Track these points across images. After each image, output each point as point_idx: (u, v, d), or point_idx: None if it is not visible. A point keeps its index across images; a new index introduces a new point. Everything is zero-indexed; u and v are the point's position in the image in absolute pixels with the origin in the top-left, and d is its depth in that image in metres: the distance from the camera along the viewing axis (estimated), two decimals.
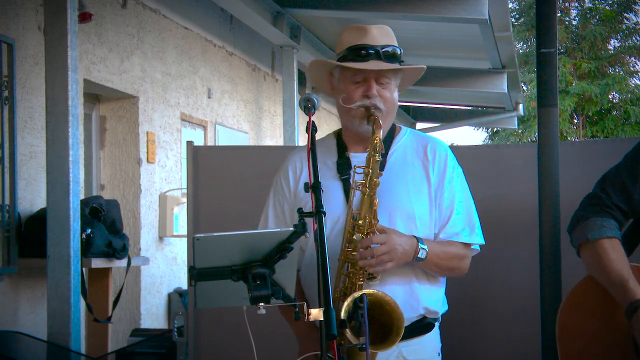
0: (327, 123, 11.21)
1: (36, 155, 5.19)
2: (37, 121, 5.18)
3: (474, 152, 4.29)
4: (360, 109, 2.88)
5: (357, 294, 2.64)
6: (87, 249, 5.05)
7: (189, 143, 4.38)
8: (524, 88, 19.80)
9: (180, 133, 7.22)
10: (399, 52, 2.91)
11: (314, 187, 2.55)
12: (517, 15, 21.84)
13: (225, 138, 8.08)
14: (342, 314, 2.58)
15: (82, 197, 5.18)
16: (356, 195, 2.82)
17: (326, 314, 2.31)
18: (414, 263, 2.84)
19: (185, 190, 5.40)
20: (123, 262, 5.46)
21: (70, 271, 4.52)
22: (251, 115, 8.88)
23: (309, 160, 2.62)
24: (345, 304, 2.62)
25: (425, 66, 3.02)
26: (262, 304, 2.42)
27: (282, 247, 2.44)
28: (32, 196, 5.18)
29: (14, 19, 5.05)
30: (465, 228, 2.93)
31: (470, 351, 4.01)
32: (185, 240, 6.49)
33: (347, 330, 2.59)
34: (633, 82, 21.82)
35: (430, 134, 3.15)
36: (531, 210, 3.80)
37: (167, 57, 6.97)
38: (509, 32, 8.07)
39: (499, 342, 4.05)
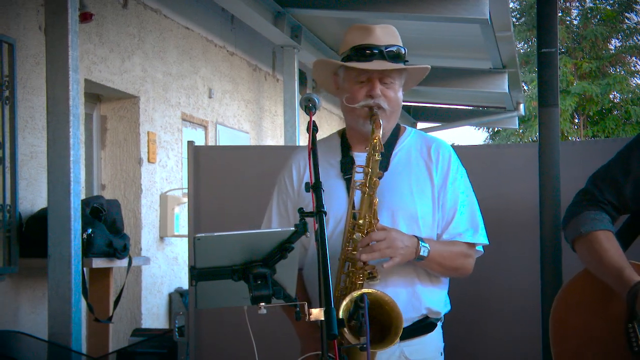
0: (328, 123, 11.22)
1: (37, 155, 5.19)
2: (38, 121, 5.19)
3: (474, 152, 4.29)
4: (364, 108, 2.88)
5: (355, 294, 2.64)
6: (88, 249, 5.05)
7: (190, 143, 4.38)
8: (525, 88, 19.78)
9: (181, 133, 7.22)
10: (403, 52, 2.91)
11: (315, 187, 2.55)
12: (517, 15, 21.83)
13: (226, 138, 8.08)
14: (341, 314, 2.58)
15: (83, 197, 5.18)
16: (357, 195, 2.82)
17: (327, 313, 2.31)
18: (417, 263, 2.83)
19: (186, 190, 5.40)
20: (124, 262, 5.46)
21: (71, 271, 4.52)
22: (252, 115, 8.88)
23: (310, 160, 2.62)
24: (344, 303, 2.62)
25: (429, 66, 3.03)
26: (263, 303, 2.42)
27: (283, 247, 2.44)
28: (33, 196, 5.18)
29: (15, 19, 5.05)
30: (468, 228, 2.93)
31: (470, 351, 4.01)
32: (186, 240, 6.49)
33: (346, 329, 2.59)
34: (634, 82, 21.82)
35: (431, 133, 3.15)
36: (532, 210, 3.81)
37: (168, 57, 6.97)
38: (509, 32, 8.07)
39: (499, 342, 4.05)
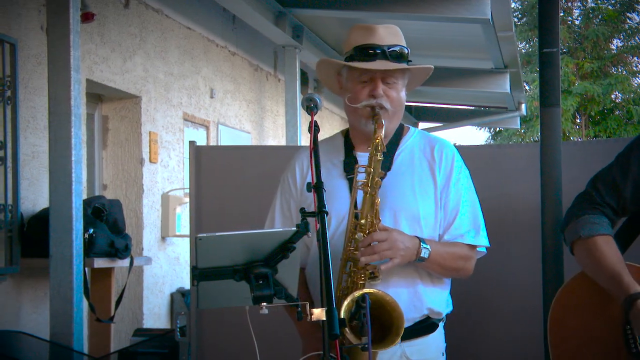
0: (330, 123, 11.21)
1: (39, 155, 5.19)
2: (39, 121, 5.19)
3: (476, 152, 4.28)
4: (366, 108, 2.88)
5: (356, 294, 2.64)
6: (90, 249, 5.06)
7: (192, 143, 4.38)
8: (527, 88, 19.78)
9: (182, 133, 7.22)
10: (406, 52, 2.91)
11: (316, 187, 2.55)
12: (519, 15, 21.82)
13: (228, 138, 8.08)
14: (342, 314, 2.58)
15: (84, 197, 5.18)
16: (359, 195, 2.82)
17: (329, 313, 2.31)
18: (417, 264, 2.83)
19: (187, 190, 5.41)
20: (125, 262, 5.46)
21: (73, 271, 4.52)
22: (253, 115, 8.88)
23: (311, 161, 2.62)
24: (345, 303, 2.62)
25: (432, 66, 3.02)
26: (265, 303, 2.42)
27: (285, 247, 2.44)
28: (35, 196, 5.18)
29: (17, 19, 5.05)
30: (470, 230, 2.92)
31: (473, 351, 4.01)
32: (187, 240, 6.50)
33: (347, 329, 2.59)
34: (635, 81, 21.82)
35: (432, 133, 3.15)
36: (533, 210, 3.80)
37: (169, 57, 6.97)
38: (511, 32, 8.06)
39: (501, 342, 4.05)
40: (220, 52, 8.04)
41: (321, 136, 2.79)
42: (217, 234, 2.40)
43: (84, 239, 4.79)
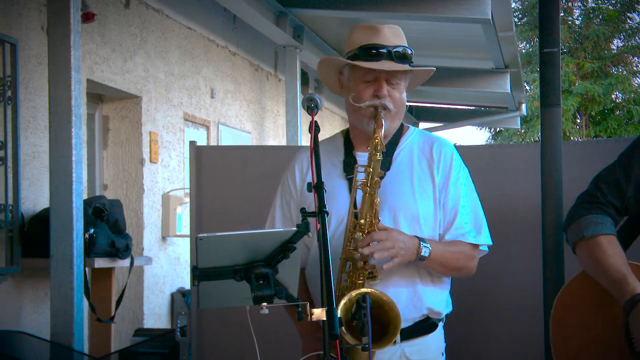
0: (330, 123, 11.21)
1: (39, 155, 5.19)
2: (40, 121, 5.19)
3: (477, 151, 4.28)
4: (369, 108, 2.88)
5: (354, 293, 2.64)
6: (90, 249, 5.06)
7: (192, 143, 4.38)
8: (527, 88, 19.78)
9: (183, 133, 7.22)
10: (409, 53, 2.90)
11: (317, 187, 2.55)
12: (520, 15, 21.82)
13: (228, 138, 8.08)
14: (339, 313, 2.58)
15: (85, 197, 5.18)
16: (358, 194, 2.82)
17: (329, 313, 2.32)
18: (418, 263, 2.83)
19: (188, 190, 5.40)
20: (126, 262, 5.46)
21: (73, 271, 4.53)
22: (254, 115, 8.88)
23: (312, 161, 2.62)
24: (342, 303, 2.62)
25: (434, 68, 3.02)
26: (265, 303, 2.42)
27: (285, 247, 2.44)
28: (35, 196, 5.19)
29: (17, 19, 5.05)
30: (471, 229, 2.92)
31: (473, 350, 4.01)
32: (188, 240, 6.50)
33: (344, 329, 2.59)
34: (636, 81, 21.82)
35: (433, 133, 3.15)
36: (534, 210, 3.80)
37: (170, 57, 6.98)
38: (511, 32, 8.06)
39: (502, 341, 4.05)
40: (221, 52, 8.04)
41: (321, 136, 2.79)
42: (218, 234, 2.40)
43: (85, 239, 4.79)
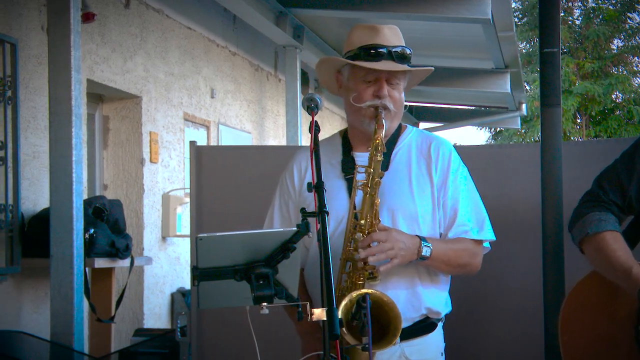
0: (330, 123, 11.21)
1: (39, 155, 5.19)
2: (40, 121, 5.19)
3: (477, 151, 4.28)
4: (370, 108, 2.88)
5: (354, 294, 2.64)
6: (90, 249, 5.06)
7: (192, 143, 4.38)
8: (527, 88, 19.78)
9: (183, 133, 7.22)
10: (408, 53, 2.91)
11: (317, 187, 2.55)
12: (520, 15, 21.82)
13: (228, 138, 8.08)
14: (340, 314, 2.58)
15: (85, 197, 5.19)
16: (358, 195, 2.82)
17: (329, 313, 2.32)
18: (421, 262, 2.83)
19: (188, 190, 5.41)
20: (126, 262, 5.46)
21: (73, 271, 4.53)
22: (254, 115, 8.88)
23: (312, 161, 2.62)
24: (343, 303, 2.62)
25: (433, 68, 3.03)
26: (265, 303, 2.42)
27: (285, 247, 2.44)
28: (35, 196, 5.19)
29: (17, 19, 5.05)
30: (474, 226, 2.92)
31: (473, 350, 4.01)
32: (188, 240, 6.50)
33: (344, 330, 2.59)
34: (636, 81, 21.82)
35: (434, 133, 3.15)
36: (534, 210, 3.80)
37: (170, 57, 6.98)
38: (512, 32, 8.06)
39: (502, 341, 4.05)
40: (221, 52, 8.04)
41: (321, 136, 2.79)
42: (218, 234, 2.40)
43: (85, 239, 4.79)
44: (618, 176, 2.98)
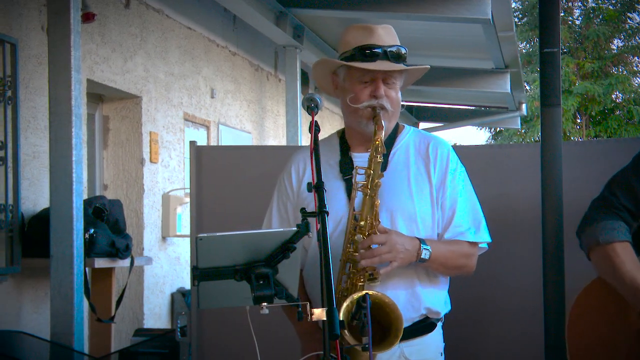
0: (330, 123, 11.22)
1: (39, 155, 5.19)
2: (40, 121, 5.19)
3: (477, 152, 4.28)
4: (367, 109, 2.88)
5: (356, 295, 2.64)
6: (90, 249, 5.06)
7: (192, 143, 4.38)
8: (527, 88, 19.79)
9: (183, 133, 7.22)
10: (403, 52, 2.90)
11: (317, 187, 2.55)
12: (520, 15, 21.83)
13: (228, 138, 8.08)
14: (342, 315, 2.58)
15: (85, 197, 5.19)
16: (358, 196, 2.82)
17: (329, 313, 2.31)
18: (418, 264, 2.83)
19: (188, 190, 5.41)
20: (126, 262, 5.46)
21: (74, 271, 4.53)
22: (254, 115, 8.88)
23: (312, 161, 2.62)
24: (345, 305, 2.62)
25: (429, 66, 3.02)
26: (265, 303, 2.42)
27: (286, 247, 2.44)
28: (35, 196, 5.19)
29: (17, 19, 5.05)
30: (470, 227, 2.92)
31: (473, 351, 4.01)
32: (188, 240, 6.49)
33: (346, 332, 2.59)
34: (636, 81, 21.83)
35: (433, 133, 3.14)
36: (534, 210, 3.80)
37: (170, 57, 6.98)
38: (512, 32, 8.06)
39: (501, 342, 4.05)
40: (221, 52, 8.04)
41: (321, 136, 2.79)
42: (218, 234, 2.40)
43: (85, 239, 4.79)
44: (630, 181, 2.94)
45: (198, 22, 7.49)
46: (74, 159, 4.56)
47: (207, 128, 7.76)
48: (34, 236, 4.97)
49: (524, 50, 21.29)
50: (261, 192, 3.45)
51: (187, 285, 7.07)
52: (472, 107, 13.83)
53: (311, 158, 2.62)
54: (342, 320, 2.46)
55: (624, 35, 21.77)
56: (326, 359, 2.32)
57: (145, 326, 6.53)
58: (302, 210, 2.54)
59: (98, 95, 6.45)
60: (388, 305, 2.68)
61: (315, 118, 2.73)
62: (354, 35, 2.92)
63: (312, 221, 2.48)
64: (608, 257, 2.88)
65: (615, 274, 2.86)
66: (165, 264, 6.94)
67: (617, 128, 20.30)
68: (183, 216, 6.89)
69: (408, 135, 3.02)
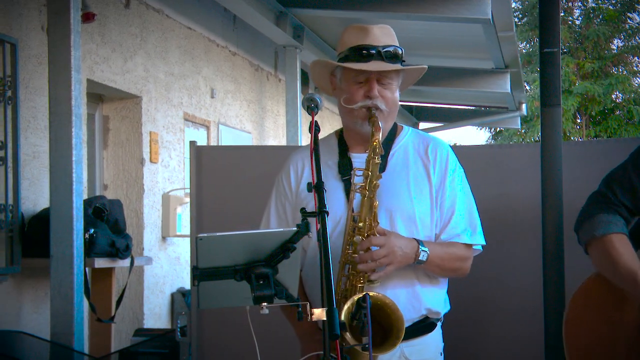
0: (330, 123, 11.21)
1: (39, 155, 5.19)
2: (40, 121, 5.19)
3: (477, 152, 4.29)
4: (362, 109, 2.87)
5: (356, 297, 2.63)
6: (90, 249, 5.06)
7: (192, 143, 4.38)
8: (527, 88, 19.79)
9: (183, 133, 7.22)
10: (400, 52, 2.90)
11: (317, 187, 2.54)
12: (520, 15, 21.83)
13: (228, 138, 8.08)
14: (342, 317, 2.58)
15: (85, 197, 5.19)
16: (356, 198, 2.82)
17: (329, 313, 2.31)
18: (415, 265, 2.83)
19: (188, 190, 5.41)
20: (126, 262, 5.46)
21: (74, 271, 4.53)
22: (254, 115, 8.88)
23: (312, 160, 2.62)
24: (346, 307, 2.62)
25: (426, 66, 3.02)
26: (265, 303, 2.42)
27: (286, 247, 2.44)
28: (35, 196, 5.19)
29: (17, 19, 5.05)
30: (466, 229, 2.92)
31: (473, 350, 4.01)
32: (188, 240, 6.49)
33: (347, 333, 2.59)
34: (636, 81, 21.84)
35: (433, 133, 3.14)
36: (534, 210, 3.80)
37: (170, 57, 6.98)
38: (512, 32, 8.06)
39: (501, 341, 4.05)
40: (221, 52, 8.04)
41: (321, 136, 2.79)
42: (218, 234, 2.40)
43: (85, 239, 4.79)
44: (628, 177, 2.95)
45: (198, 22, 7.49)
46: (74, 159, 4.56)
47: (207, 128, 7.76)
48: (34, 236, 4.97)
49: (524, 50, 21.29)
50: (261, 192, 3.45)
51: (187, 285, 7.07)
52: (472, 107, 13.83)
53: (311, 158, 2.62)
54: (343, 322, 2.46)
55: (624, 35, 21.78)
56: (326, 359, 2.32)
57: (145, 326, 6.54)
58: (302, 210, 2.54)
59: (98, 95, 6.45)
60: (389, 307, 2.68)
61: (315, 118, 2.73)
62: (350, 36, 2.92)
63: (312, 221, 2.48)
64: (605, 249, 2.89)
65: (612, 265, 2.88)
66: (165, 264, 6.94)
67: (617, 128, 20.30)
68: (183, 216, 6.89)
69: (407, 136, 3.02)
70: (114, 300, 5.57)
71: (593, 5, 21.92)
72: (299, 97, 8.06)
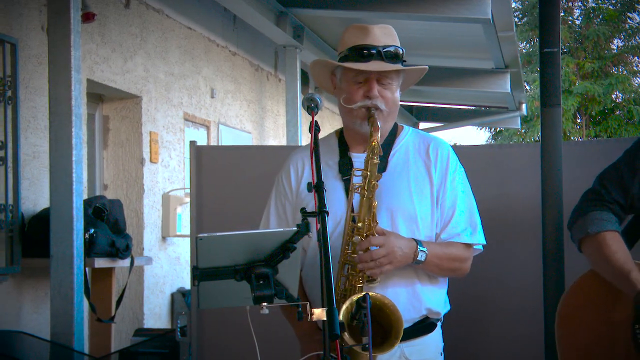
0: (330, 123, 11.21)
1: (39, 155, 5.19)
2: (40, 121, 5.19)
3: (477, 151, 4.29)
4: (362, 109, 2.87)
5: (355, 297, 2.63)
6: (90, 249, 5.06)
7: (192, 143, 4.38)
8: (527, 88, 19.79)
9: (183, 133, 7.22)
10: (401, 52, 2.90)
11: (317, 187, 2.54)
12: (520, 15, 21.83)
13: (229, 138, 8.09)
14: (341, 317, 2.58)
15: (85, 197, 5.19)
16: (355, 198, 2.82)
17: (329, 313, 2.31)
18: (414, 265, 2.83)
19: (188, 190, 5.41)
20: (126, 262, 5.46)
21: (74, 271, 4.53)
22: (254, 115, 8.88)
23: (312, 160, 2.62)
24: (344, 306, 2.62)
25: (427, 67, 3.02)
26: (265, 303, 2.42)
27: (286, 247, 2.44)
28: (35, 196, 5.19)
29: (18, 18, 5.05)
30: (467, 228, 2.92)
31: (473, 350, 4.01)
32: (188, 240, 6.49)
33: (346, 333, 2.59)
34: (636, 81, 21.83)
35: (433, 133, 3.14)
36: (534, 210, 3.81)
37: (170, 57, 6.98)
38: (512, 31, 8.06)
39: (501, 341, 4.05)
40: (221, 52, 8.04)
41: (321, 136, 2.79)
42: (218, 234, 2.40)
43: (85, 238, 4.80)
44: (621, 175, 2.97)
45: (198, 22, 7.49)
46: (74, 159, 4.56)
47: (207, 128, 7.76)
48: (34, 236, 4.97)
49: (524, 50, 21.29)
50: (261, 192, 3.45)
51: (187, 285, 7.07)
52: (472, 107, 13.84)
53: (311, 158, 2.62)
54: (342, 322, 2.46)
55: (624, 35, 21.78)
56: (326, 359, 2.32)
57: (145, 326, 6.54)
58: (302, 210, 2.54)
59: (98, 95, 6.45)
60: (388, 307, 2.68)
61: (315, 118, 2.73)
62: (350, 36, 2.92)
63: (312, 221, 2.48)
64: (598, 246, 2.90)
65: (606, 263, 2.89)
66: (165, 264, 6.94)
67: (617, 128, 20.31)
68: (183, 216, 6.89)
69: (407, 136, 3.01)
70: (114, 300, 5.57)
71: (593, 5, 21.92)
72: (299, 97, 8.07)
